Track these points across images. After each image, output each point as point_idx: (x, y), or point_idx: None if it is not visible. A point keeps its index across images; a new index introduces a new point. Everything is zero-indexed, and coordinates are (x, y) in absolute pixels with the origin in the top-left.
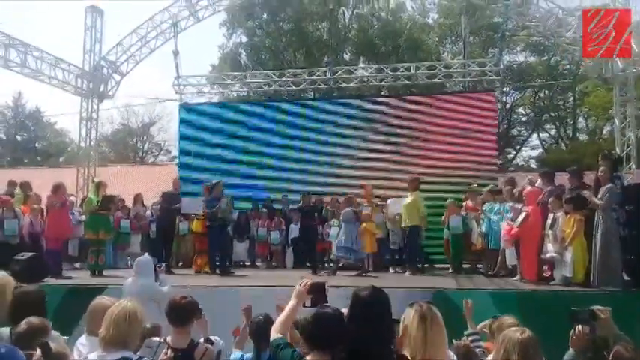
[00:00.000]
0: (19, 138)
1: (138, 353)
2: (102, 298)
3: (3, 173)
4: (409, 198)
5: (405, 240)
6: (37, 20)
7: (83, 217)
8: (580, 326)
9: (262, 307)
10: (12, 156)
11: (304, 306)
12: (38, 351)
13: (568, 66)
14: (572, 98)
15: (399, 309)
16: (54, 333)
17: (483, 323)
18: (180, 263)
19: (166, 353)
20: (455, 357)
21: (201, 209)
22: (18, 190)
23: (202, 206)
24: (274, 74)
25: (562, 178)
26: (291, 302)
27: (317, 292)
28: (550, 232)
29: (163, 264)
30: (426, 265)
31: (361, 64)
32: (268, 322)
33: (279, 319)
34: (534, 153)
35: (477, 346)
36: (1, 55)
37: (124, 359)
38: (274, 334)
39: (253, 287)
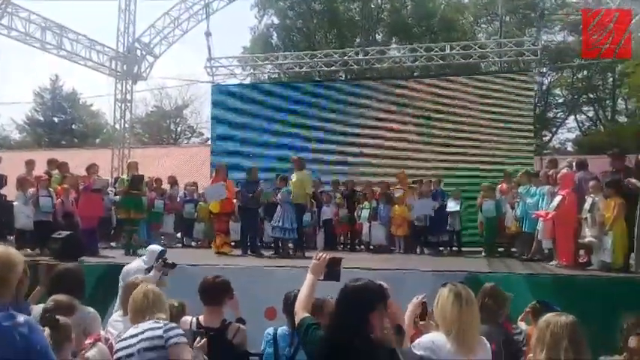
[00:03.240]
0: (56, 120)
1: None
2: (134, 279)
3: (42, 154)
4: (294, 177)
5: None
6: (72, 3)
7: (117, 197)
8: None
9: (292, 287)
10: (50, 137)
11: (318, 279)
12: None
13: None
14: (611, 79)
15: (429, 291)
16: (88, 309)
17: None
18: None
19: (199, 341)
20: (488, 344)
21: (224, 195)
22: (56, 171)
23: (225, 190)
24: (306, 55)
25: (600, 161)
26: (309, 277)
27: (332, 266)
28: (589, 215)
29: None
30: (457, 249)
31: (393, 45)
32: None
33: (302, 296)
34: (571, 135)
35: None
36: (38, 37)
37: (155, 322)
38: (302, 312)
39: (282, 268)
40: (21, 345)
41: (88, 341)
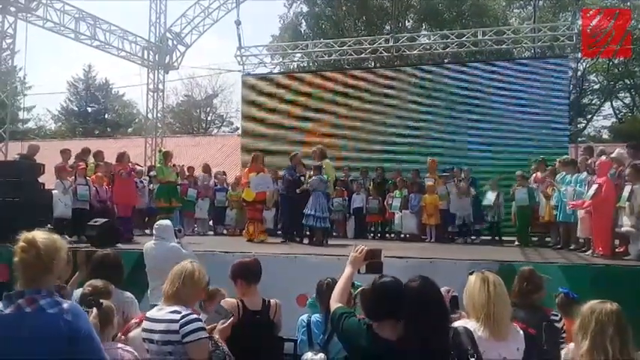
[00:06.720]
0: (89, 109)
1: (204, 315)
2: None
3: (77, 144)
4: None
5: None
6: None
7: (152, 186)
8: None
9: (322, 275)
10: (83, 127)
11: (359, 272)
12: (94, 310)
13: None
14: None
15: (462, 281)
16: (126, 293)
17: None
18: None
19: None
20: (521, 331)
21: (272, 186)
22: (91, 159)
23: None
24: (335, 43)
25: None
26: (347, 270)
27: (373, 259)
28: (627, 204)
29: (183, 229)
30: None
31: (423, 32)
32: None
33: (337, 289)
34: (607, 123)
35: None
36: (72, 28)
37: (175, 312)
38: (335, 304)
39: (313, 255)
40: (65, 331)
41: (134, 321)
